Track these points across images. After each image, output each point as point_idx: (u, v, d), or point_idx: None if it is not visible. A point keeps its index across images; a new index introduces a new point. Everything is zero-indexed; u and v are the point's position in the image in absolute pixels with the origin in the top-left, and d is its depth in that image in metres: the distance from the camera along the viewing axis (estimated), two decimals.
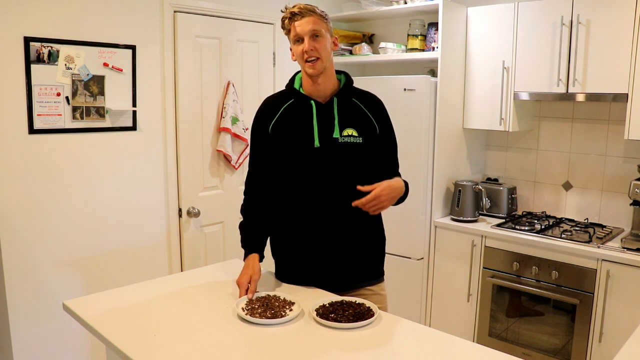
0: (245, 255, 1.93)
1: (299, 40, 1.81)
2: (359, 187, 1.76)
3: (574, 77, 2.90)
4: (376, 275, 2.01)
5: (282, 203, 1.96)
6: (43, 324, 2.61)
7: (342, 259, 1.92)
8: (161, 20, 2.89)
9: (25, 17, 2.41)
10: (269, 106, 1.94)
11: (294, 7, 1.82)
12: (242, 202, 2.01)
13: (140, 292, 1.91)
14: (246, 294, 1.80)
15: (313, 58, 1.79)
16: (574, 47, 2.87)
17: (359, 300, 1.79)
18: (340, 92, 1.90)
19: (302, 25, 1.78)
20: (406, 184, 1.93)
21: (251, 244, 1.95)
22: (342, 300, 1.78)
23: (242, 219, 2.00)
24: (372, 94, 1.98)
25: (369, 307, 1.74)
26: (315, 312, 1.69)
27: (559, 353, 2.91)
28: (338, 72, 1.94)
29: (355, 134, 1.86)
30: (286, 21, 1.82)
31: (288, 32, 1.84)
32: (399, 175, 1.98)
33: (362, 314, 1.69)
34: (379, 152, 1.92)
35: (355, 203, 1.75)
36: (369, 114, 1.91)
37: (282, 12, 1.85)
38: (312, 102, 1.87)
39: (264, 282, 2.02)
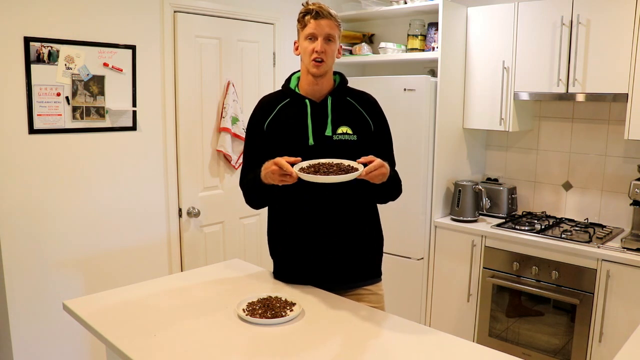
0: (258, 174, 1.84)
1: (312, 38, 1.85)
2: (360, 160, 1.73)
3: (574, 77, 2.90)
4: (374, 274, 2.03)
5: (278, 202, 1.96)
6: (43, 324, 2.61)
7: (340, 258, 1.94)
8: (161, 20, 2.89)
9: (25, 17, 2.41)
10: (265, 105, 1.98)
11: (315, 4, 1.86)
12: (242, 197, 2.00)
13: (140, 292, 1.92)
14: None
15: (320, 59, 1.84)
16: (574, 47, 2.87)
17: (336, 160, 1.77)
18: (334, 91, 1.94)
19: (320, 26, 1.84)
20: (398, 178, 1.95)
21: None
22: (319, 162, 1.76)
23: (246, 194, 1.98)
24: (366, 93, 2.01)
25: (349, 164, 1.74)
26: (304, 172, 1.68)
27: (559, 353, 2.91)
28: (333, 72, 1.98)
29: (349, 131, 1.90)
30: (307, 17, 1.85)
31: (302, 27, 1.88)
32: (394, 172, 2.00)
33: (345, 170, 1.70)
34: (374, 149, 1.92)
35: (366, 173, 1.70)
36: (364, 112, 1.94)
37: (303, 5, 1.89)
38: (307, 101, 1.91)
39: (263, 281, 2.03)
